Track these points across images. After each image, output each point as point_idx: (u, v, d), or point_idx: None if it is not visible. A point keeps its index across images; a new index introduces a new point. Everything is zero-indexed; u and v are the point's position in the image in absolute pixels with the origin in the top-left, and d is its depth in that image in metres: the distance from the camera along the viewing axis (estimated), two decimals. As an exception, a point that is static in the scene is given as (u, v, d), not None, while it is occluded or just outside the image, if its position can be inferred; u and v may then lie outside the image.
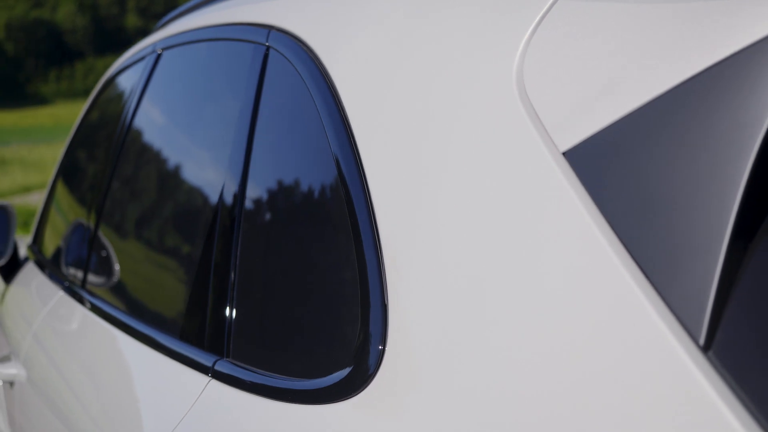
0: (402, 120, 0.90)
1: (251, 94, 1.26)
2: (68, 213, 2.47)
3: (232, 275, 1.16)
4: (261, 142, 1.20)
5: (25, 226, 9.00)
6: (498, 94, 0.79)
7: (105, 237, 1.93)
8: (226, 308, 1.16)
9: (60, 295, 2.06)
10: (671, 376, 0.58)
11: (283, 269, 1.08)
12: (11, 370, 2.16)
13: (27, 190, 16.77)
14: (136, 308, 1.59)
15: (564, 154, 0.71)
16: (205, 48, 1.64)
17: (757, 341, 0.58)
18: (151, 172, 1.83)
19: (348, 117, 0.98)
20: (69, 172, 2.65)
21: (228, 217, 1.23)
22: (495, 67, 0.81)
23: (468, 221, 0.77)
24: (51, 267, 2.35)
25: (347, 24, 1.10)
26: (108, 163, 2.01)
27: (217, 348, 1.15)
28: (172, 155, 1.71)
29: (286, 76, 1.18)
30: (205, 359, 1.16)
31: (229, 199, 1.24)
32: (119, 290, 1.74)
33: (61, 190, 2.65)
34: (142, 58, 2.07)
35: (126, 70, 2.23)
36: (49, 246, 2.57)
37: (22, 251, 2.97)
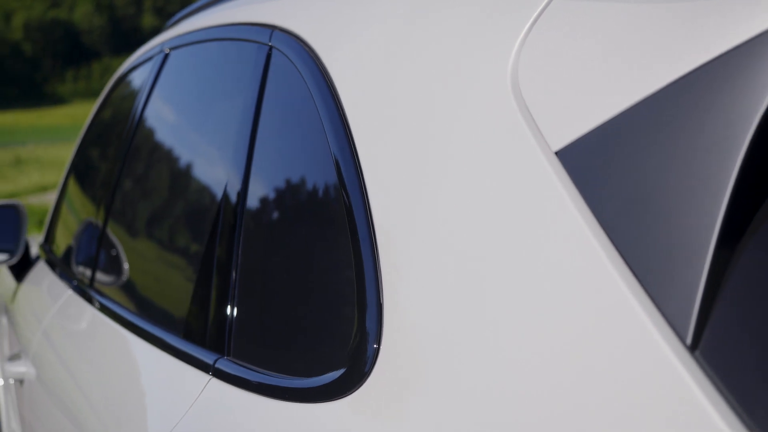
0: (399, 120, 0.90)
1: (254, 95, 1.27)
2: (78, 212, 2.49)
3: (234, 274, 1.17)
4: (263, 142, 1.21)
5: (41, 225, 9.06)
6: (493, 94, 0.79)
7: (112, 236, 1.94)
8: (227, 307, 1.17)
9: (69, 293, 2.07)
10: (658, 375, 0.58)
11: (282, 268, 1.08)
12: (21, 368, 2.18)
13: (43, 189, 16.86)
14: (141, 307, 1.60)
15: (557, 153, 0.71)
16: (210, 48, 1.65)
17: (743, 341, 0.58)
18: (155, 172, 1.84)
19: (347, 117, 0.99)
20: (80, 170, 2.66)
21: (230, 216, 1.23)
22: (491, 67, 0.81)
23: (462, 221, 0.77)
24: (61, 266, 2.37)
25: (347, 24, 1.11)
26: (116, 162, 2.03)
27: (218, 347, 1.16)
28: (176, 156, 1.72)
29: (287, 75, 1.18)
30: (207, 358, 1.16)
31: (231, 197, 1.25)
32: (125, 289, 1.75)
33: (72, 189, 2.67)
34: (150, 58, 2.08)
35: (135, 70, 2.25)
36: (60, 245, 2.58)
37: (34, 250, 2.99)
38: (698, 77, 0.63)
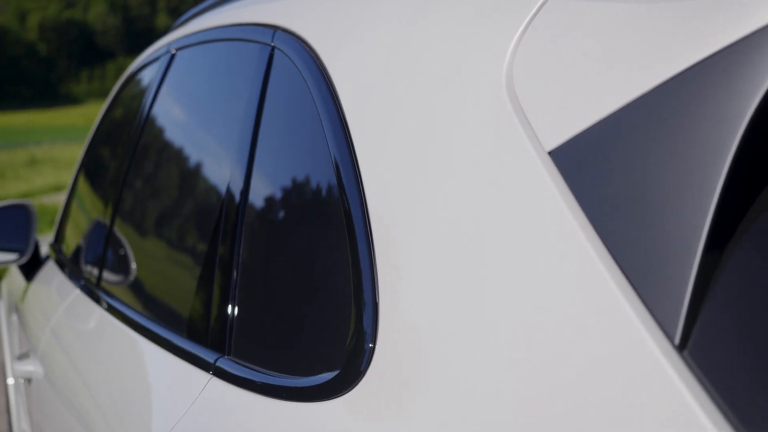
0: (397, 120, 0.91)
1: (256, 95, 1.27)
2: (87, 211, 2.50)
3: (235, 273, 1.18)
4: (264, 142, 1.21)
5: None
6: (489, 94, 0.79)
7: (118, 235, 1.95)
8: (228, 306, 1.18)
9: (76, 293, 2.09)
10: (647, 374, 0.58)
11: (281, 268, 1.09)
12: (29, 367, 2.19)
13: (58, 189, 16.93)
14: (146, 307, 1.60)
15: (550, 153, 0.71)
16: (215, 48, 1.65)
17: (731, 341, 0.58)
18: (159, 173, 1.85)
19: (346, 117, 0.99)
20: (89, 169, 2.68)
21: (232, 215, 1.24)
22: (487, 68, 0.81)
23: (457, 221, 0.78)
24: (70, 265, 2.38)
25: (348, 25, 1.11)
26: (123, 162, 2.04)
27: (219, 346, 1.17)
28: (179, 157, 1.72)
29: (289, 76, 1.19)
30: (208, 357, 1.17)
31: (233, 197, 1.25)
32: (131, 289, 1.76)
33: (82, 188, 2.68)
34: (158, 58, 2.09)
35: (143, 70, 2.26)
36: (70, 244, 2.60)
37: (44, 249, 3.01)
38: (690, 77, 0.63)
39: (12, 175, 21.28)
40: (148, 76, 2.14)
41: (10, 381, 2.83)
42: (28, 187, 17.73)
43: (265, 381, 1.01)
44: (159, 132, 1.90)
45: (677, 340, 0.59)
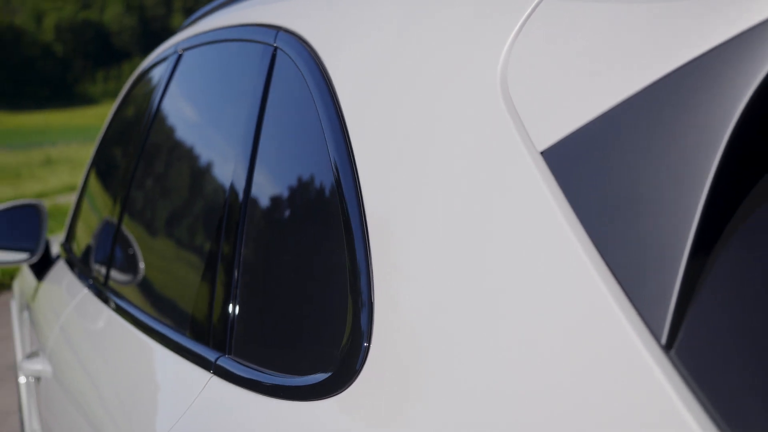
0: (393, 120, 0.91)
1: (258, 95, 1.28)
2: (96, 210, 2.52)
3: (236, 273, 1.18)
4: (266, 142, 1.22)
5: (69, 224, 9.15)
6: (483, 94, 0.79)
7: (125, 235, 1.96)
8: (229, 306, 1.18)
9: (84, 292, 2.10)
10: (633, 373, 0.58)
11: (281, 267, 1.09)
12: (38, 366, 2.21)
13: (73, 189, 17.01)
14: (151, 306, 1.61)
15: (542, 153, 0.71)
16: (220, 49, 1.66)
17: (717, 341, 0.58)
18: (164, 173, 1.86)
19: (345, 116, 0.99)
20: (99, 169, 2.69)
21: (234, 215, 1.24)
22: (481, 68, 0.81)
23: (451, 221, 0.78)
24: (79, 265, 2.40)
25: (347, 25, 1.11)
26: (130, 162, 2.05)
27: (220, 345, 1.17)
28: (183, 157, 1.73)
29: (290, 76, 1.19)
30: (210, 356, 1.18)
31: (235, 197, 1.26)
32: (137, 288, 1.77)
33: (91, 188, 2.70)
34: (165, 58, 2.10)
35: (152, 70, 2.27)
36: (80, 243, 2.61)
37: (55, 249, 3.02)
38: (682, 76, 0.63)
39: (28, 175, 21.41)
40: (156, 76, 2.16)
41: (22, 380, 2.84)
42: (44, 187, 17.83)
43: (263, 380, 1.01)
44: (164, 132, 1.91)
45: (664, 340, 0.59)
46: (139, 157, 1.96)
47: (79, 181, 2.85)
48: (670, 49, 0.65)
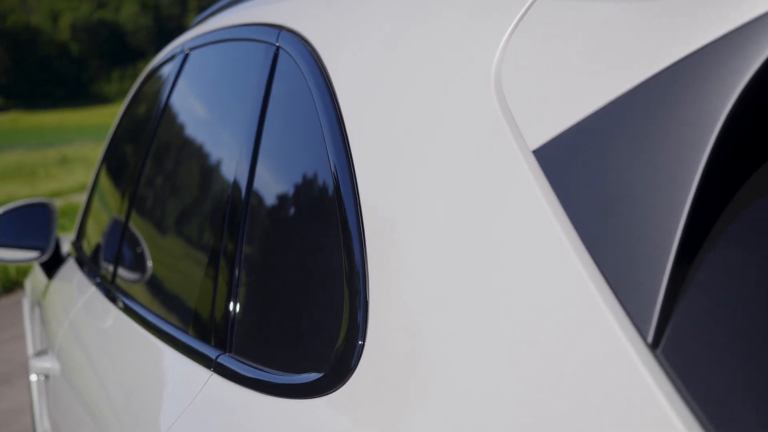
0: (389, 119, 0.91)
1: (260, 95, 1.28)
2: (105, 209, 2.53)
3: (237, 271, 1.19)
4: (267, 142, 1.22)
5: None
6: (478, 93, 0.80)
7: (132, 234, 1.97)
8: (230, 304, 1.19)
9: (92, 291, 2.11)
10: (619, 372, 0.58)
11: (280, 266, 1.10)
12: (46, 363, 2.22)
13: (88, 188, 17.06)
14: (156, 304, 1.62)
15: (534, 152, 0.71)
16: (225, 48, 1.67)
17: (703, 340, 0.58)
18: (168, 172, 1.87)
19: (343, 116, 1.00)
20: (108, 168, 2.70)
21: (235, 214, 1.25)
22: (476, 67, 0.81)
23: (445, 220, 0.78)
24: (88, 263, 2.41)
25: (347, 25, 1.12)
26: (137, 161, 2.06)
27: (221, 343, 1.18)
28: (188, 156, 1.74)
29: (291, 75, 1.20)
30: (211, 354, 1.19)
31: (236, 197, 1.26)
32: (143, 287, 1.78)
33: (101, 186, 2.71)
34: (173, 58, 2.12)
35: (160, 69, 2.28)
36: (90, 242, 2.62)
37: (65, 248, 3.04)
38: (673, 75, 0.63)
39: (44, 174, 21.53)
40: (164, 75, 2.17)
41: (33, 378, 2.86)
42: (59, 186, 17.92)
43: (261, 378, 1.02)
44: (170, 131, 1.92)
45: (650, 339, 0.59)
46: (146, 156, 1.97)
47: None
48: (662, 47, 0.65)
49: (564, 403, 0.61)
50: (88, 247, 2.60)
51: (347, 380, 0.86)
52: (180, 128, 1.87)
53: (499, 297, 0.70)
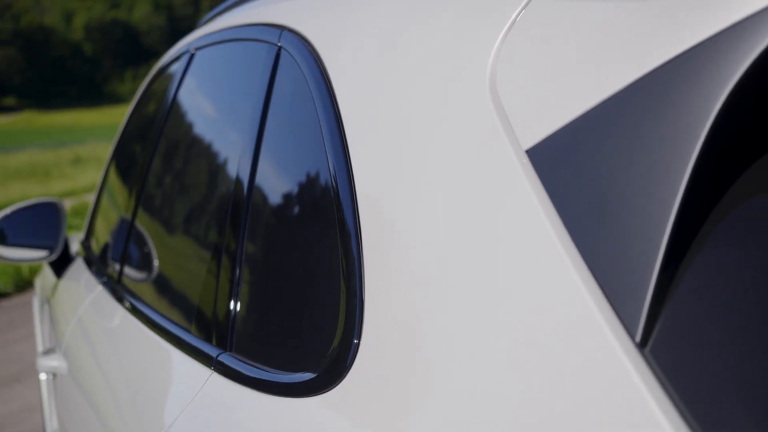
0: (386, 119, 0.92)
1: (262, 95, 1.29)
2: (112, 209, 2.54)
3: (238, 270, 1.20)
4: (268, 142, 1.23)
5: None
6: (472, 92, 0.80)
7: (137, 233, 1.98)
8: (230, 303, 1.20)
9: (99, 290, 2.12)
10: (606, 371, 0.59)
11: (279, 265, 1.10)
12: (54, 362, 2.23)
13: (101, 187, 17.09)
14: (160, 303, 1.63)
15: (527, 151, 0.72)
16: (229, 48, 1.68)
17: (690, 339, 0.58)
18: (172, 172, 1.88)
19: (342, 116, 1.00)
20: (116, 168, 2.71)
21: (237, 214, 1.26)
22: (471, 67, 0.82)
23: (439, 220, 0.78)
24: (96, 262, 2.42)
25: (347, 25, 1.12)
26: (144, 160, 2.07)
27: (222, 342, 1.19)
28: (191, 156, 1.75)
29: (293, 75, 1.20)
30: (212, 352, 1.19)
31: (238, 197, 1.27)
32: (148, 286, 1.79)
33: (109, 186, 2.72)
34: (179, 58, 2.13)
35: (167, 69, 2.29)
36: (98, 241, 2.64)
37: (75, 247, 3.05)
38: (665, 75, 0.63)
39: (57, 174, 21.61)
40: (170, 75, 2.18)
41: (42, 376, 2.87)
42: (73, 186, 17.98)
43: (260, 376, 1.03)
44: (175, 131, 1.93)
45: (638, 338, 0.59)
46: (152, 155, 1.98)
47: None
48: (655, 47, 0.65)
49: (551, 402, 0.62)
50: (96, 246, 2.61)
51: (342, 379, 0.86)
52: (184, 128, 1.88)
53: (491, 295, 0.70)
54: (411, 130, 0.87)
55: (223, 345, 1.18)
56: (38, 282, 3.65)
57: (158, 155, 1.96)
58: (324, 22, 1.19)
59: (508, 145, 0.73)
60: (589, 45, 0.71)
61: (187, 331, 1.36)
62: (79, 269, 2.62)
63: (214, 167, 1.52)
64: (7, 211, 2.80)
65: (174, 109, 1.95)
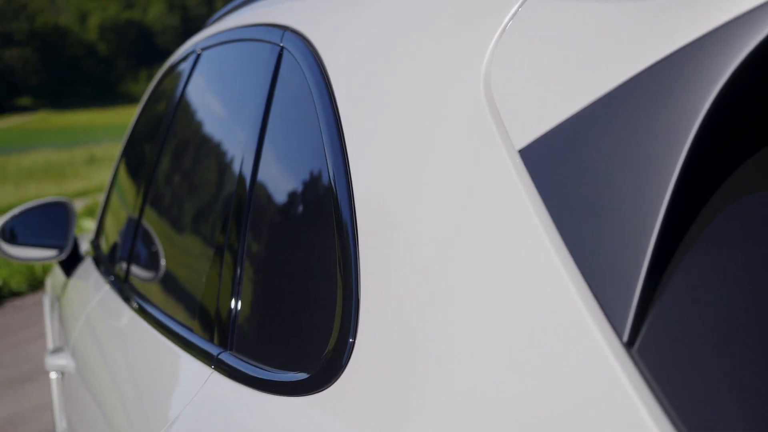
0: (384, 119, 0.92)
1: (265, 95, 1.29)
2: (120, 208, 2.55)
3: (239, 270, 1.20)
4: (270, 143, 1.24)
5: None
6: (467, 94, 0.80)
7: (143, 232, 1.99)
8: (231, 302, 1.20)
9: (106, 289, 2.13)
10: (594, 370, 0.59)
11: (279, 264, 1.11)
12: (61, 360, 2.24)
13: (114, 187, 17.14)
14: (164, 303, 1.64)
15: (520, 152, 0.72)
16: (234, 48, 1.68)
17: (678, 339, 0.58)
18: (177, 172, 1.89)
19: (340, 116, 1.01)
20: (125, 167, 2.73)
21: (238, 213, 1.26)
22: (467, 68, 0.82)
23: (433, 219, 0.79)
24: (104, 261, 2.43)
25: (347, 26, 1.12)
26: (150, 160, 2.08)
27: (223, 341, 1.19)
28: (195, 156, 1.76)
29: (294, 75, 1.21)
30: (213, 351, 1.20)
31: (240, 197, 1.28)
32: (153, 285, 1.80)
33: (118, 185, 2.73)
34: (185, 58, 2.14)
35: (174, 69, 2.30)
36: (107, 240, 2.65)
37: (84, 246, 3.06)
38: (657, 74, 0.63)
39: (72, 173, 21.72)
40: (177, 75, 2.19)
41: (52, 375, 2.89)
42: (87, 185, 18.08)
43: (258, 375, 1.03)
44: (180, 131, 1.93)
45: (626, 338, 0.59)
46: (158, 155, 1.99)
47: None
48: (648, 47, 0.65)
49: (536, 402, 0.62)
50: (105, 246, 2.62)
51: (337, 378, 0.86)
52: (189, 128, 1.89)
53: (483, 295, 0.70)
54: (408, 132, 0.87)
55: (223, 344, 1.19)
56: (49, 281, 3.66)
57: (164, 155, 1.97)
58: (325, 23, 1.20)
59: (501, 146, 0.73)
60: (582, 46, 0.71)
61: (190, 330, 1.37)
62: (88, 269, 2.63)
63: (217, 168, 1.52)
64: (17, 210, 2.81)
65: (180, 109, 1.96)
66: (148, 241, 1.94)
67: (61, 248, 2.78)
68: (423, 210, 0.80)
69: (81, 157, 26.97)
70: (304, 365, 0.95)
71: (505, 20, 0.80)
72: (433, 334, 0.74)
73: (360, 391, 0.83)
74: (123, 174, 2.68)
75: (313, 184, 1.06)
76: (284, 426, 0.92)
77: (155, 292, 1.74)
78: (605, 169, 0.64)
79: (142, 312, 1.68)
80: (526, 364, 0.64)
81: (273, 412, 0.95)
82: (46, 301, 3.60)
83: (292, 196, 1.14)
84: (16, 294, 8.18)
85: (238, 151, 1.36)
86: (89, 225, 9.25)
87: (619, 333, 0.59)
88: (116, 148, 28.41)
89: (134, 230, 2.06)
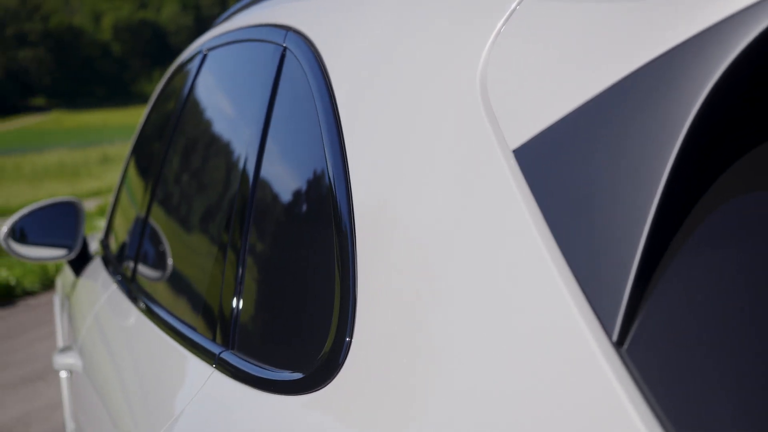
0: (382, 121, 0.92)
1: (267, 95, 1.30)
2: (128, 208, 2.56)
3: (240, 269, 1.21)
4: (272, 143, 1.24)
5: (120, 221, 9.30)
6: (463, 93, 0.81)
7: (150, 232, 2.00)
8: (233, 301, 1.21)
9: (113, 288, 2.14)
10: (583, 369, 0.59)
11: (279, 263, 1.11)
12: (70, 359, 2.26)
13: (127, 186, 17.20)
14: (169, 302, 1.65)
15: (514, 152, 0.72)
16: (239, 49, 1.69)
17: (667, 339, 0.58)
18: (182, 172, 1.90)
19: (340, 116, 1.01)
20: (133, 167, 2.74)
21: (241, 213, 1.27)
22: (463, 68, 0.82)
23: (429, 219, 0.79)
24: (112, 261, 2.44)
25: (348, 26, 1.13)
26: (157, 160, 2.09)
27: (225, 340, 1.20)
28: (200, 157, 1.77)
29: (296, 76, 1.21)
30: (214, 350, 1.21)
31: (242, 196, 1.28)
32: (159, 285, 1.80)
33: (127, 185, 2.75)
34: (192, 58, 2.15)
35: (181, 69, 2.31)
36: (116, 239, 2.66)
37: (94, 246, 3.08)
38: (651, 75, 0.63)
39: (85, 173, 21.82)
40: (184, 76, 2.20)
41: (62, 374, 2.91)
42: (100, 184, 18.15)
43: (258, 374, 1.04)
44: (186, 131, 1.94)
45: (615, 337, 0.59)
46: (165, 155, 2.00)
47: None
48: (642, 47, 0.65)
49: (527, 401, 0.62)
50: (114, 245, 2.64)
51: (334, 377, 0.87)
52: (194, 128, 1.90)
53: (478, 295, 0.70)
54: (407, 132, 0.87)
55: (225, 343, 1.20)
56: (59, 281, 3.68)
57: (170, 154, 1.98)
58: (326, 24, 1.20)
59: (496, 146, 0.73)
60: (576, 46, 0.71)
61: (193, 329, 1.38)
62: (96, 268, 2.65)
63: (220, 168, 1.53)
64: (27, 210, 2.83)
65: (186, 109, 1.97)
66: (154, 240, 1.95)
67: (70, 248, 2.79)
68: (421, 210, 0.81)
69: (94, 157, 27.08)
70: (302, 364, 0.95)
71: (502, 20, 0.80)
72: (430, 333, 0.74)
73: (357, 390, 0.83)
74: (131, 173, 2.69)
75: (313, 183, 1.06)
76: (282, 425, 0.92)
77: (161, 291, 1.74)
78: (597, 169, 0.64)
79: (148, 311, 1.69)
80: (517, 364, 0.64)
81: (271, 411, 0.96)
82: (57, 300, 3.62)
83: (294, 195, 1.15)
84: (29, 293, 8.23)
85: (241, 151, 1.36)
86: (102, 224, 9.29)
87: (608, 332, 0.59)
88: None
89: (141, 229, 2.07)
